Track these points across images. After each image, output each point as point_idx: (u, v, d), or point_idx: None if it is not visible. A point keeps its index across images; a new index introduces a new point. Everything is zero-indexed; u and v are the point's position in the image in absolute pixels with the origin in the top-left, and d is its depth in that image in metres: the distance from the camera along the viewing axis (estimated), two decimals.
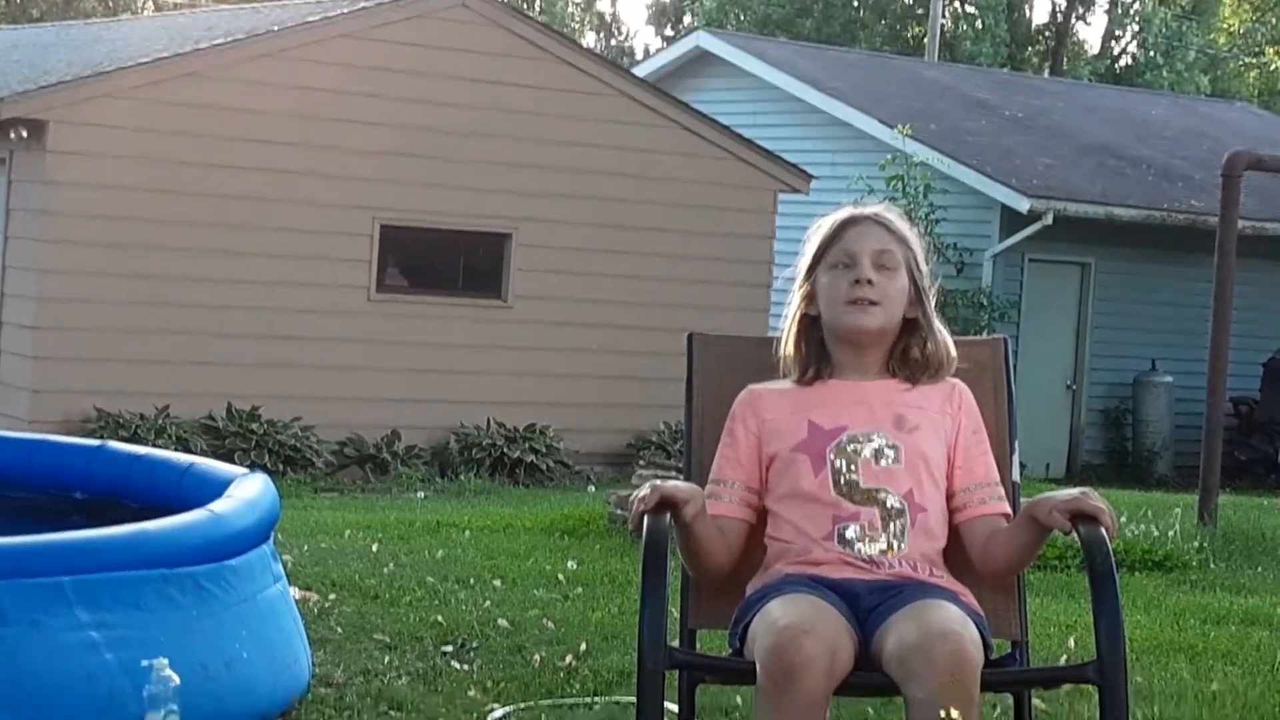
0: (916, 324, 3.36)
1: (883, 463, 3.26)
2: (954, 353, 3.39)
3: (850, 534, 3.22)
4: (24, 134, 12.31)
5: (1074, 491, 3.16)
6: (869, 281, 3.29)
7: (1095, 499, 3.13)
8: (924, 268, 3.37)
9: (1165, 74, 34.03)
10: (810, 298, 3.38)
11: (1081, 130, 20.41)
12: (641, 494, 3.15)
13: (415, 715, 4.72)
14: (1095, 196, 17.44)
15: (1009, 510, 3.34)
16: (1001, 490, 3.36)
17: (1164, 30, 34.69)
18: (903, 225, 3.39)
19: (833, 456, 3.26)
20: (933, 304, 3.38)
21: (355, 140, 13.23)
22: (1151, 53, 34.95)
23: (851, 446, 3.27)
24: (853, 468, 3.26)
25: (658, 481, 3.19)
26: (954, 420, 3.35)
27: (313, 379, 13.11)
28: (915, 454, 3.28)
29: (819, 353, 3.38)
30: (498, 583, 6.87)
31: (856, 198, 15.49)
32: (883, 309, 3.31)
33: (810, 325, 3.39)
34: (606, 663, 5.36)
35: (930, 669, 2.89)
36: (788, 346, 3.41)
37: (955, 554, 3.31)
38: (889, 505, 3.24)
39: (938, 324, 3.38)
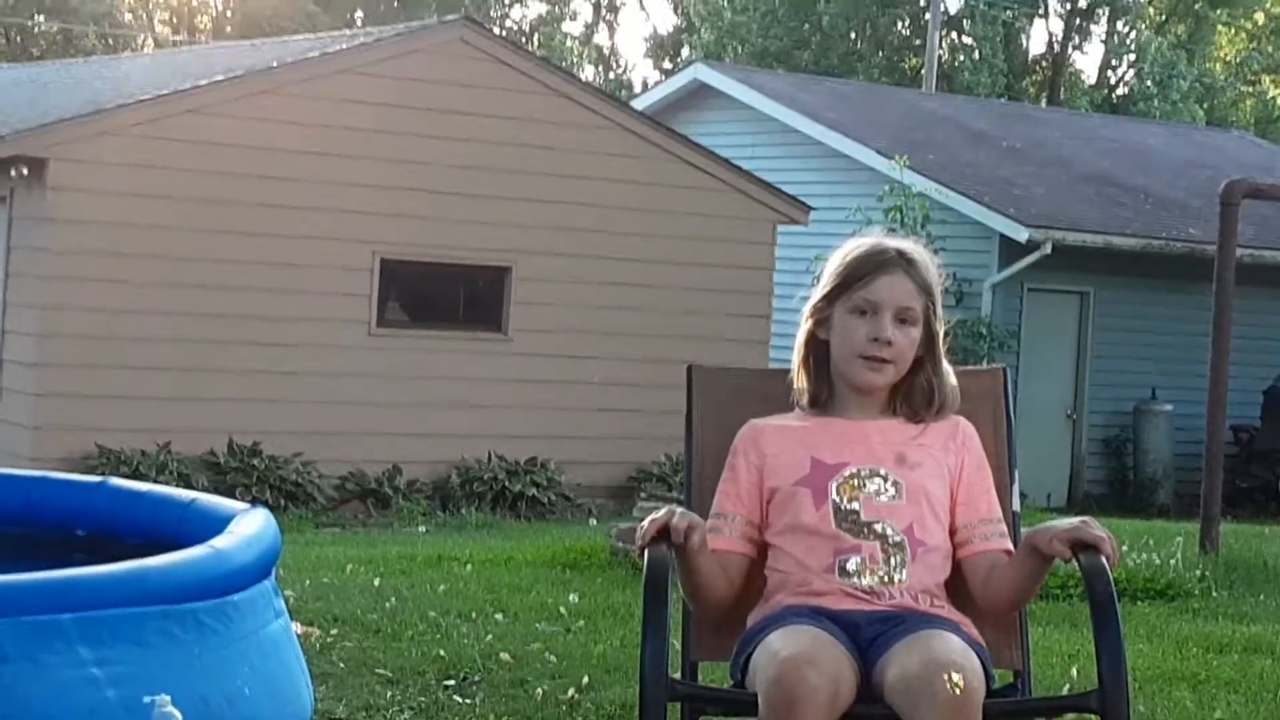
0: (922, 363, 3.36)
1: (884, 498, 3.26)
2: (958, 392, 3.40)
3: (851, 566, 3.22)
4: (25, 171, 12.34)
5: (1075, 520, 3.16)
6: (887, 342, 3.29)
7: (1096, 528, 3.13)
8: (940, 312, 3.37)
9: (1160, 104, 34.13)
10: (823, 323, 3.38)
11: (1079, 160, 20.45)
12: (655, 515, 3.16)
13: None
14: (1094, 226, 17.46)
15: (1010, 547, 3.33)
16: (1004, 527, 3.36)
17: (1159, 60, 34.79)
18: (927, 272, 3.35)
19: (834, 491, 3.27)
20: (943, 346, 3.39)
21: (355, 175, 13.26)
22: (1148, 82, 35.06)
23: (853, 481, 3.28)
24: (854, 502, 3.26)
25: (676, 508, 3.19)
26: (957, 457, 3.35)
27: (313, 414, 13.12)
28: (917, 489, 3.28)
29: (827, 379, 3.38)
30: (500, 616, 6.86)
31: (855, 229, 15.51)
32: (894, 367, 3.32)
33: (819, 346, 3.39)
34: (609, 695, 5.35)
35: (932, 700, 2.89)
36: (795, 365, 3.42)
37: (957, 587, 3.31)
38: (890, 538, 3.24)
39: (944, 364, 3.39)
